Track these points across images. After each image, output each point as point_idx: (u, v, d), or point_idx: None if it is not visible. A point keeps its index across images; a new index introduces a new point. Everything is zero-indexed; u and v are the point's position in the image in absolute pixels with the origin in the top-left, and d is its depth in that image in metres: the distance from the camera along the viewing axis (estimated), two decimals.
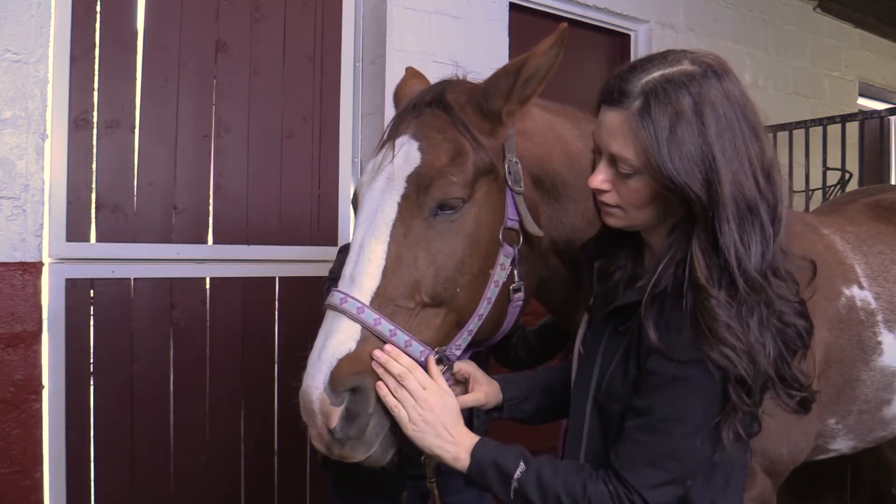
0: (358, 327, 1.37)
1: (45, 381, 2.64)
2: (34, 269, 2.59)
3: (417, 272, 1.41)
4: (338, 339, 1.37)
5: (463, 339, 1.48)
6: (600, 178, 1.36)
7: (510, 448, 1.37)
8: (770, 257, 1.27)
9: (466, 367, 1.63)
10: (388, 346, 1.37)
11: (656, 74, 1.28)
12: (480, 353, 1.97)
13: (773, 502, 1.87)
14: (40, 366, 2.61)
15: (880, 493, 3.10)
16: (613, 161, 1.33)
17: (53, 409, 2.67)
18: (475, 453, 1.35)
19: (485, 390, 1.63)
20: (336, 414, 1.35)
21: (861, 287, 2.03)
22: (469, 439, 1.37)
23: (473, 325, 1.48)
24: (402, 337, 1.38)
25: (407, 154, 1.49)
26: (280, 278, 3.23)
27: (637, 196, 1.33)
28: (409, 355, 1.39)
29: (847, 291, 1.99)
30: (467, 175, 1.46)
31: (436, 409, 1.36)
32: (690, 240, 1.28)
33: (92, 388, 2.80)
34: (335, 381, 1.34)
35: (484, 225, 1.48)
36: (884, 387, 2.03)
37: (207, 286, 3.08)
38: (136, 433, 2.88)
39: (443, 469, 1.63)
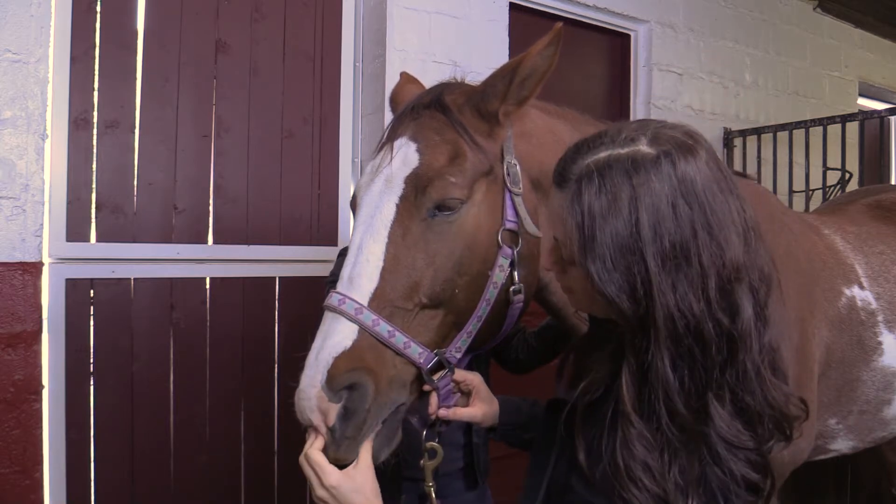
0: (356, 328, 1.37)
1: (45, 381, 2.63)
2: (34, 269, 2.59)
3: (416, 273, 1.41)
4: (335, 340, 1.37)
5: (462, 341, 1.48)
6: (547, 259, 1.29)
7: None
8: (713, 393, 1.06)
9: (472, 378, 1.61)
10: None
11: (602, 155, 1.12)
12: (481, 354, 1.96)
13: (774, 502, 1.87)
14: (40, 366, 2.61)
15: (880, 493, 3.10)
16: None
17: (53, 409, 2.67)
18: None
19: (483, 409, 1.61)
20: (334, 411, 1.35)
21: (862, 287, 2.02)
22: None
23: (472, 326, 1.47)
24: (400, 338, 1.38)
25: (405, 156, 1.49)
26: (280, 278, 3.23)
27: (581, 286, 1.19)
28: (408, 357, 1.39)
29: (848, 292, 1.99)
30: (465, 176, 1.46)
31: (335, 496, 1.31)
32: (625, 357, 1.12)
33: (92, 388, 2.80)
34: (332, 379, 1.34)
35: (483, 226, 1.47)
36: (884, 387, 2.03)
37: (207, 286, 3.07)
38: (136, 433, 2.88)
39: (442, 471, 1.63)
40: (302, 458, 1.36)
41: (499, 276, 1.48)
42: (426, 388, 1.47)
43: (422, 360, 1.41)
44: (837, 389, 1.95)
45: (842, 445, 2.12)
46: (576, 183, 1.12)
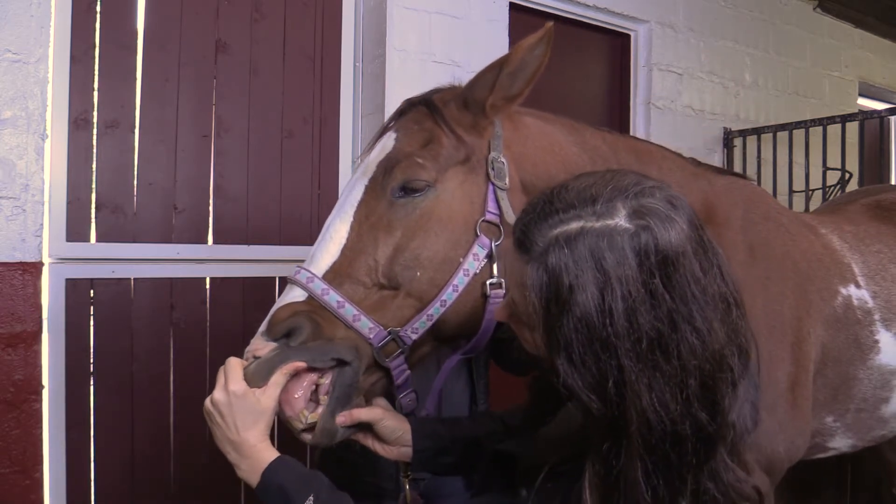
0: (305, 294, 1.40)
1: (45, 381, 2.64)
2: (34, 269, 2.59)
3: (377, 252, 1.43)
4: (283, 302, 1.42)
5: (421, 323, 1.45)
6: (502, 313, 1.20)
7: (310, 477, 1.26)
8: (684, 496, 0.97)
9: (372, 410, 1.50)
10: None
11: (573, 227, 0.99)
12: (480, 357, 1.96)
13: (772, 500, 1.87)
14: (40, 366, 2.62)
15: (880, 493, 3.10)
16: None
17: (53, 409, 2.68)
18: (266, 473, 1.26)
19: (388, 416, 1.49)
20: (267, 349, 1.37)
21: (858, 286, 2.02)
22: (266, 454, 1.28)
23: (434, 310, 1.45)
24: (350, 310, 1.39)
25: (384, 144, 1.54)
26: (280, 278, 3.23)
27: (542, 350, 1.07)
28: (357, 330, 1.39)
29: (844, 290, 1.98)
30: (437, 160, 1.48)
31: (232, 404, 1.29)
32: (590, 454, 1.00)
33: (92, 388, 2.81)
34: (271, 328, 1.38)
35: (455, 212, 1.48)
36: (881, 385, 2.02)
37: (207, 286, 3.08)
38: (136, 433, 2.88)
39: (437, 473, 1.63)
40: (221, 368, 1.35)
41: (471, 264, 1.47)
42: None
43: (371, 336, 1.40)
44: (834, 388, 1.95)
45: (841, 444, 2.12)
46: (541, 255, 1.00)
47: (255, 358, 1.37)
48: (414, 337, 1.45)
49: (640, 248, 0.96)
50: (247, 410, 1.29)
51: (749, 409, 1.08)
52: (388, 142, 1.53)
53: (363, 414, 1.44)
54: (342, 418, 1.40)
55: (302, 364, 1.35)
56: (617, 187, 1.02)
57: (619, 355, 0.94)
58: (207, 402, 1.33)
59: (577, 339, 0.96)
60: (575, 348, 0.96)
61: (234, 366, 1.34)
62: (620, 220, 0.98)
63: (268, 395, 1.31)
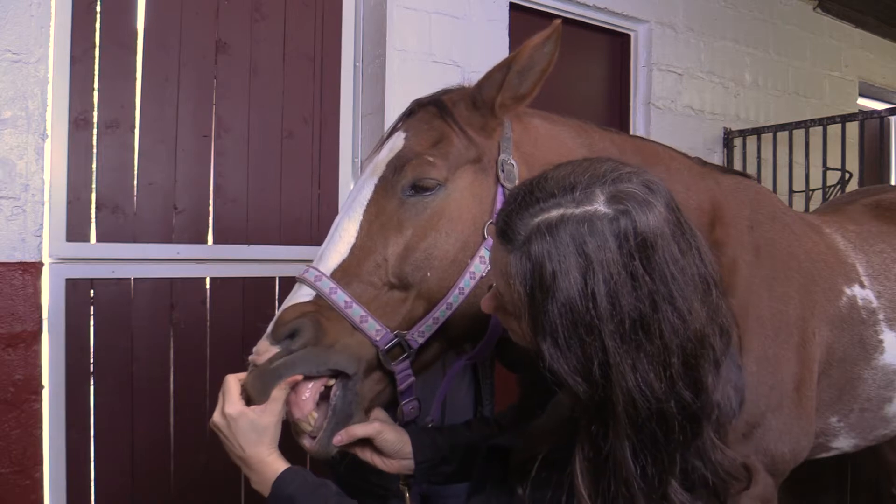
0: (313, 293, 1.39)
1: (45, 381, 2.63)
2: (34, 269, 2.59)
3: (386, 251, 1.42)
4: (291, 302, 1.41)
5: (427, 326, 1.44)
6: (488, 304, 1.20)
7: (319, 486, 1.27)
8: (674, 476, 1.00)
9: (371, 426, 1.48)
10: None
11: (553, 215, 1.01)
12: (485, 359, 1.95)
13: (775, 501, 1.87)
14: (40, 366, 2.61)
15: (880, 494, 3.10)
16: None
17: (53, 409, 2.67)
18: (276, 484, 1.27)
19: (386, 429, 1.48)
20: (269, 353, 1.36)
21: (862, 286, 2.02)
22: (275, 466, 1.29)
23: (440, 313, 1.44)
24: (357, 311, 1.37)
25: (393, 144, 1.53)
26: (280, 278, 3.23)
27: (528, 338, 1.07)
28: (363, 331, 1.38)
29: (848, 291, 1.98)
30: (447, 159, 1.47)
31: (230, 426, 1.30)
32: (578, 438, 1.02)
33: (92, 388, 2.80)
34: (276, 329, 1.37)
35: (465, 212, 1.47)
36: (885, 385, 2.02)
37: (207, 286, 3.07)
38: (136, 433, 2.88)
39: (438, 483, 1.63)
40: (221, 389, 1.35)
41: (478, 266, 1.45)
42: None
43: (378, 339, 1.38)
44: (839, 388, 1.95)
45: (844, 443, 2.12)
46: (523, 244, 1.01)
47: (255, 366, 1.36)
48: (420, 340, 1.44)
49: (620, 231, 0.98)
50: (248, 430, 1.29)
51: (732, 391, 1.10)
52: (398, 141, 1.52)
53: (360, 431, 1.43)
54: (339, 438, 1.40)
55: (299, 377, 1.34)
56: (595, 174, 1.04)
57: (604, 337, 0.96)
58: (211, 423, 1.34)
59: (562, 323, 0.97)
60: (560, 333, 0.98)
61: (231, 387, 1.34)
62: (599, 205, 1.00)
63: (269, 412, 1.31)
